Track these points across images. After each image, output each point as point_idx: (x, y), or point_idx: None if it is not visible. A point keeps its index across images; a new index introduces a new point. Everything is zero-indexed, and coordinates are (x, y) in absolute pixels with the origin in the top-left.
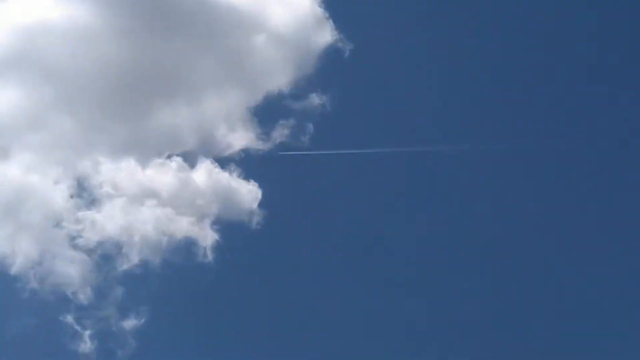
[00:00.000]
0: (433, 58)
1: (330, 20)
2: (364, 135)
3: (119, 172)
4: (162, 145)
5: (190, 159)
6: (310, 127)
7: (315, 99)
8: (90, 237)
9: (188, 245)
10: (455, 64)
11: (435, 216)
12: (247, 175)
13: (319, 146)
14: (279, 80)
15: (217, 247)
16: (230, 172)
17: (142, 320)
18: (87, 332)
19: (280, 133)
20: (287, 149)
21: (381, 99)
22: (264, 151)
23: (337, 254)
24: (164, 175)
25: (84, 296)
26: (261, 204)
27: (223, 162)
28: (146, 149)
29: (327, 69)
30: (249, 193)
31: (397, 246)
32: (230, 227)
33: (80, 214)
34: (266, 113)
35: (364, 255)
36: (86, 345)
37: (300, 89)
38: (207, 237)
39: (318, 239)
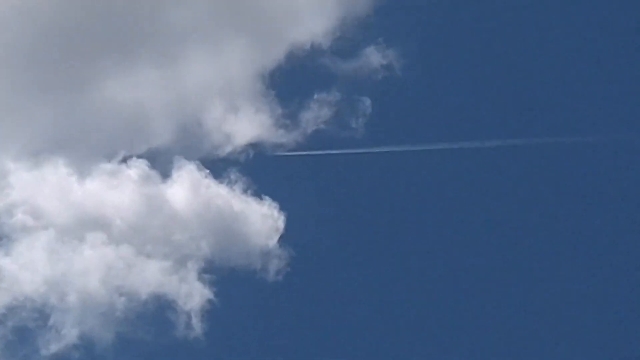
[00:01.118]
0: None
1: None
2: (455, 119)
3: (41, 187)
4: (114, 139)
5: (161, 163)
6: (367, 104)
7: (375, 58)
8: None
9: (160, 310)
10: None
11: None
12: (259, 189)
13: (381, 139)
14: (314, 26)
15: (211, 313)
16: (231, 185)
17: None
18: None
19: (316, 116)
20: (326, 145)
21: (480, 59)
22: (287, 148)
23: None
24: (116, 190)
25: None
26: (285, 238)
27: (217, 167)
28: (86, 147)
29: (396, 7)
30: (263, 219)
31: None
32: (232, 278)
33: None
34: (291, 82)
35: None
36: None
37: (349, 41)
38: (194, 294)
39: (371, 297)
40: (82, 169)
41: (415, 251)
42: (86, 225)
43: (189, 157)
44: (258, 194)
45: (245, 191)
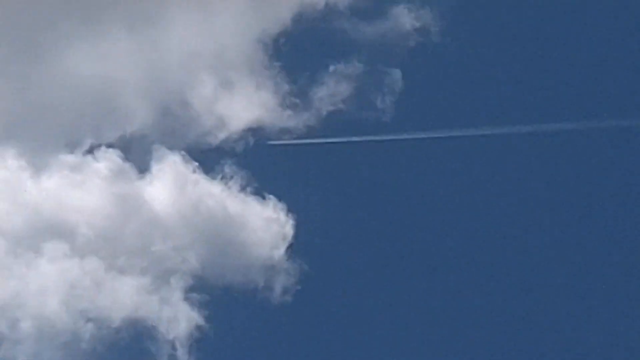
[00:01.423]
0: None
1: None
2: (501, 96)
3: None
4: (77, 124)
5: (137, 154)
6: (396, 78)
7: (406, 19)
8: None
9: (137, 338)
10: None
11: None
12: (261, 187)
13: (413, 122)
14: None
15: (201, 342)
16: (226, 181)
17: None
18: None
19: (332, 94)
20: (345, 131)
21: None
22: (296, 135)
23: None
24: (81, 188)
25: None
26: (294, 248)
27: (208, 158)
28: (42, 134)
29: None
30: (266, 224)
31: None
32: (227, 299)
33: None
34: (301, 51)
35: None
36: None
37: (369, 4)
38: (179, 319)
39: (396, 320)
40: (38, 161)
41: (451, 265)
42: (43, 233)
43: (172, 147)
44: (260, 192)
45: (243, 189)
